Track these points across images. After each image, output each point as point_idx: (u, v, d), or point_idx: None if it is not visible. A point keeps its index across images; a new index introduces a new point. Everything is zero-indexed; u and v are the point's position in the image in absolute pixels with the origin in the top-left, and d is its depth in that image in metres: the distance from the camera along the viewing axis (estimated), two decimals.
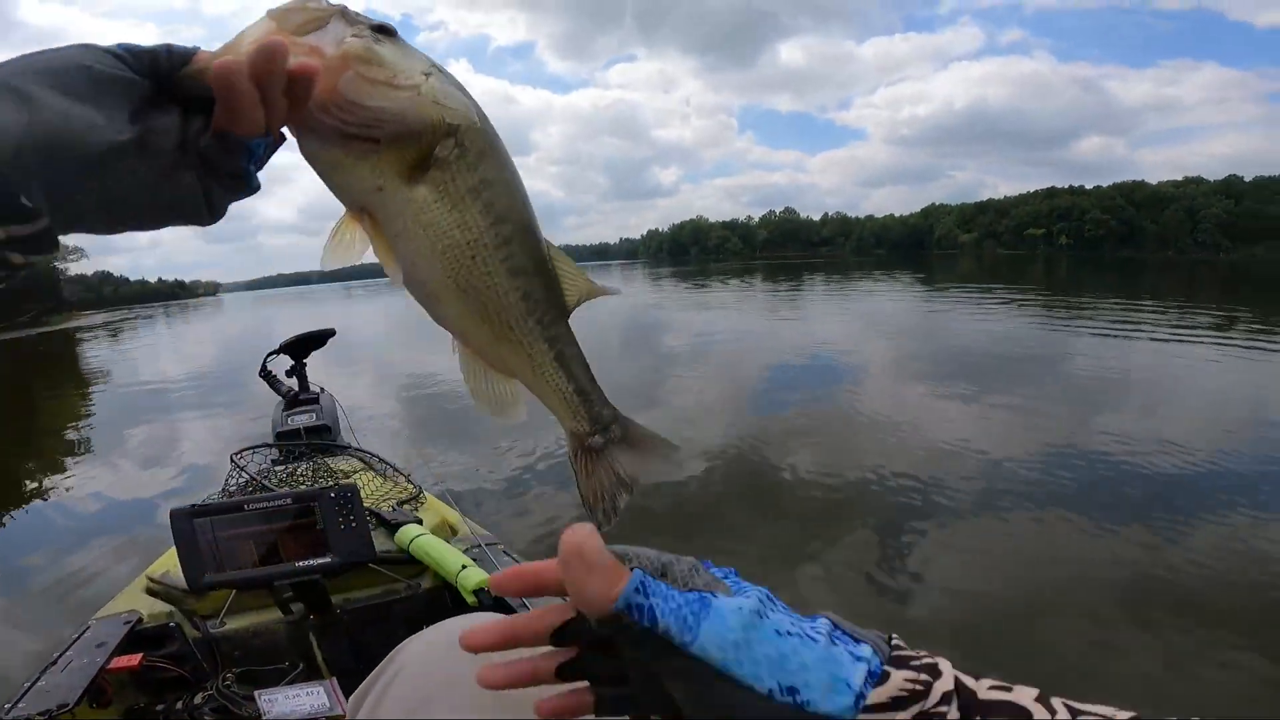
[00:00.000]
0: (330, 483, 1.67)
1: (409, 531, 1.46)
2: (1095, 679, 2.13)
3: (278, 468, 1.82)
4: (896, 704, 0.31)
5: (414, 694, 0.54)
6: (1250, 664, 2.16)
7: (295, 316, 27.81)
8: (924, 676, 0.32)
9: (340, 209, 0.44)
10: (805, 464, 4.17)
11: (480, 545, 1.52)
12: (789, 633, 0.32)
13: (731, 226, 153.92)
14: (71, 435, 7.19)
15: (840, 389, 6.55)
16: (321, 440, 2.07)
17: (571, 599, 0.35)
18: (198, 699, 1.14)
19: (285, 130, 0.41)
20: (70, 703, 0.98)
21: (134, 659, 1.14)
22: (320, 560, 1.17)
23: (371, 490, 1.70)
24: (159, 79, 0.38)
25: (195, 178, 0.39)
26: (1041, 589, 2.73)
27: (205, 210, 0.40)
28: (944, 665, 0.33)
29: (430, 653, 0.57)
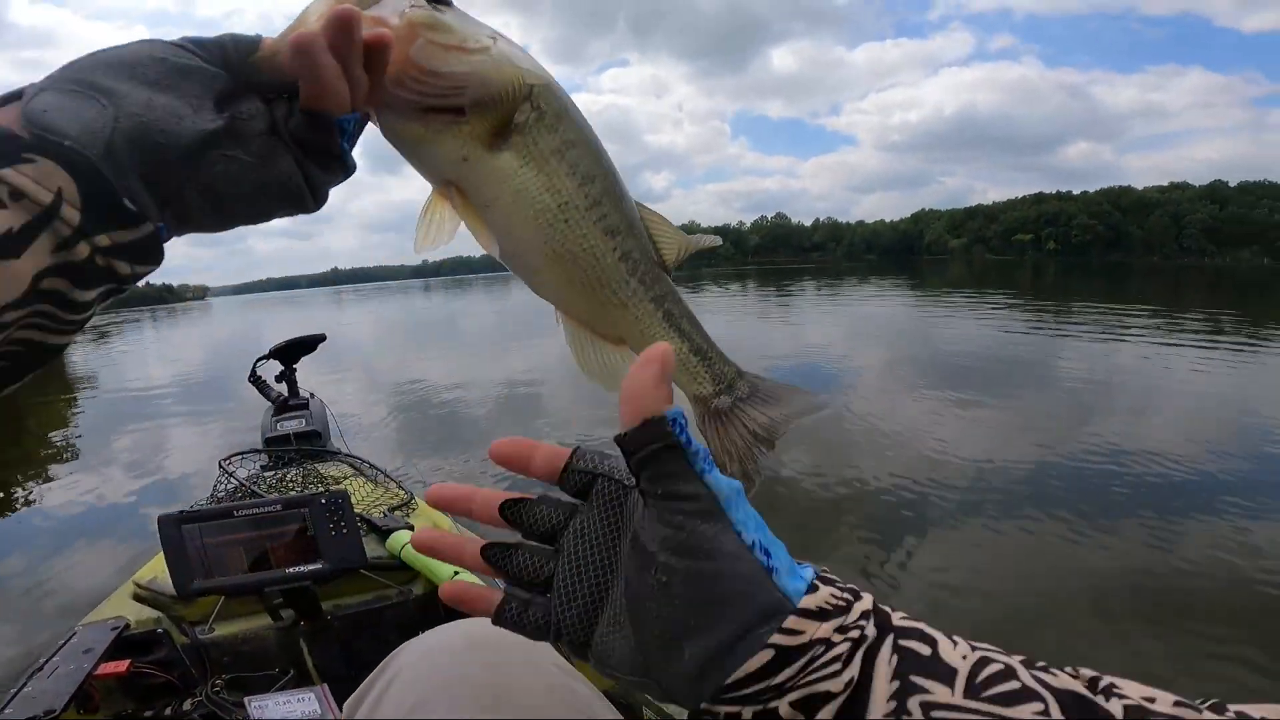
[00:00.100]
0: (321, 489, 1.67)
1: (400, 537, 1.45)
2: None
3: (267, 474, 1.81)
4: (821, 614, 0.32)
5: (411, 698, 0.53)
6: (1244, 657, 2.19)
7: (284, 321, 27.67)
8: (847, 596, 0.33)
9: (408, 210, 0.44)
10: (796, 467, 4.18)
11: None
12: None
13: (723, 232, 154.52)
14: (58, 440, 7.12)
15: (832, 393, 6.57)
16: (311, 446, 2.06)
17: (631, 392, 0.34)
18: (186, 705, 1.14)
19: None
20: (57, 709, 0.97)
21: (121, 665, 1.13)
22: (311, 567, 1.16)
23: (362, 496, 1.69)
24: (231, 70, 0.37)
25: (292, 161, 0.37)
26: (1033, 590, 2.74)
27: (308, 193, 0.39)
28: (864, 594, 0.34)
29: (427, 657, 0.57)
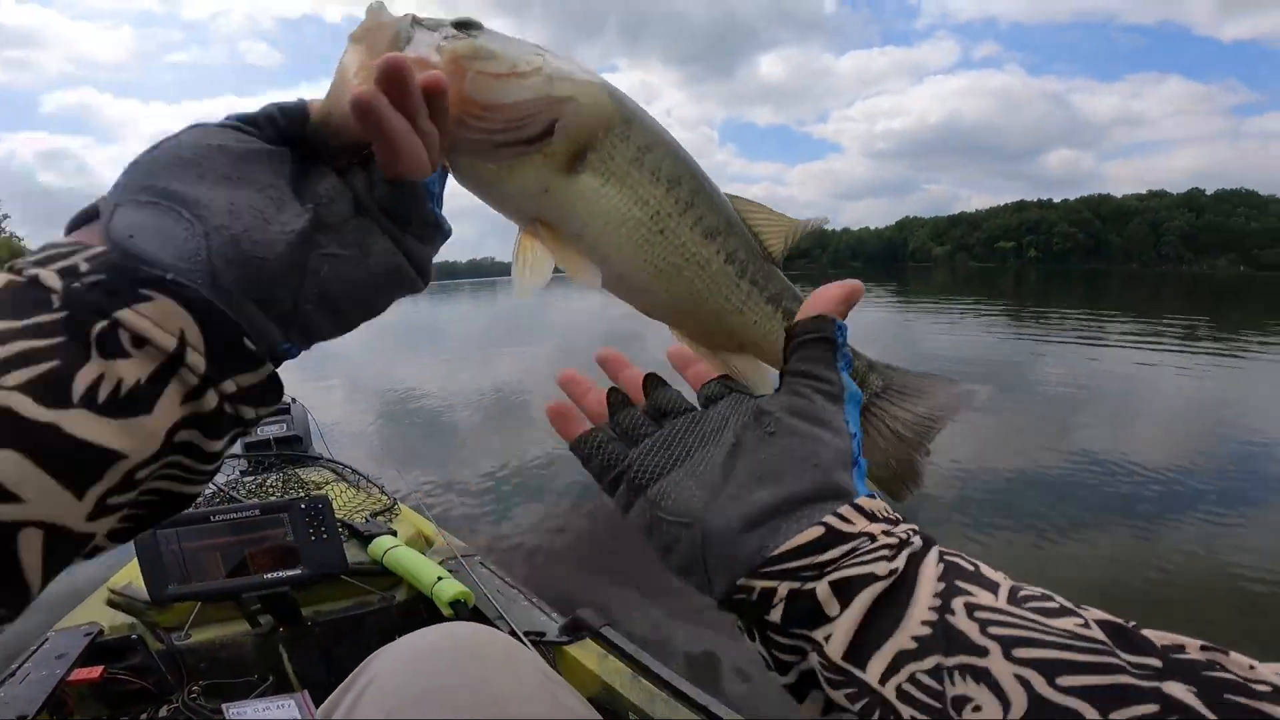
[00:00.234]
0: (301, 494, 1.65)
1: (383, 543, 1.44)
2: None
3: (246, 479, 1.79)
4: (872, 516, 0.35)
5: (387, 705, 0.52)
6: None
7: None
8: (898, 515, 0.36)
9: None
10: None
11: (457, 557, 1.51)
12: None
13: None
14: None
15: None
16: (292, 451, 2.04)
17: (817, 296, 0.42)
18: (163, 712, 1.12)
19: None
20: (29, 714, 0.96)
21: (95, 671, 1.11)
22: (290, 572, 1.15)
23: (344, 502, 1.67)
24: (290, 143, 0.34)
25: (389, 241, 0.34)
26: None
27: (414, 274, 0.36)
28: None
29: (404, 662, 0.56)
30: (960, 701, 0.28)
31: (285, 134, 0.34)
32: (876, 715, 0.30)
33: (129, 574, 1.33)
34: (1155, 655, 0.28)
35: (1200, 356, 8.75)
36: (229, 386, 0.29)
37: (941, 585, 0.32)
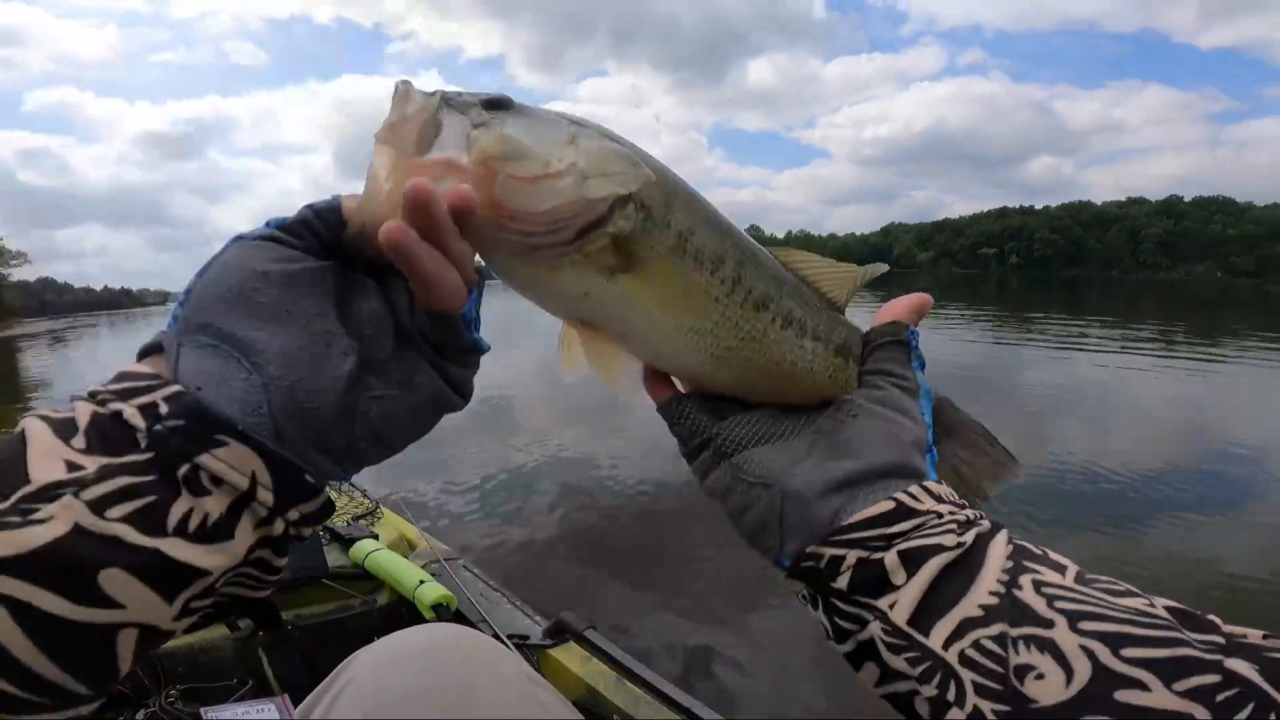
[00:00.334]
0: None
1: (364, 546, 1.43)
2: None
3: None
4: (940, 499, 0.37)
5: (365, 706, 0.51)
6: None
7: None
8: (965, 503, 0.38)
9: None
10: None
11: (439, 560, 1.51)
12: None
13: None
14: None
15: None
16: None
17: (889, 306, 0.46)
18: (139, 716, 1.10)
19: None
20: None
21: None
22: None
23: None
24: (329, 250, 0.35)
25: (431, 372, 0.36)
26: None
27: (455, 397, 0.38)
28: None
29: (384, 663, 0.55)
30: (1023, 670, 0.29)
31: (326, 242, 0.35)
32: (937, 679, 0.31)
33: None
34: (1219, 635, 0.29)
35: (1177, 361, 8.89)
36: (293, 515, 0.32)
37: (1010, 563, 0.33)
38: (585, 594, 2.75)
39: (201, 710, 1.04)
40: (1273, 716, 0.25)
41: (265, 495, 0.31)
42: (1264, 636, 0.29)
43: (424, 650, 0.56)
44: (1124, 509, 3.61)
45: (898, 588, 0.34)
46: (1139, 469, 4.18)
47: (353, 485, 1.85)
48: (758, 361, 0.43)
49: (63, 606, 0.26)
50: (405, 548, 1.59)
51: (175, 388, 0.30)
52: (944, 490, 0.38)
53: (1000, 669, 0.30)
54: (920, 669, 0.32)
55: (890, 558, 0.34)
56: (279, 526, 0.32)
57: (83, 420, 0.29)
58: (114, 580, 0.26)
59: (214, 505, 0.29)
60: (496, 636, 1.20)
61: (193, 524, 0.29)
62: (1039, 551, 0.35)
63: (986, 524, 0.36)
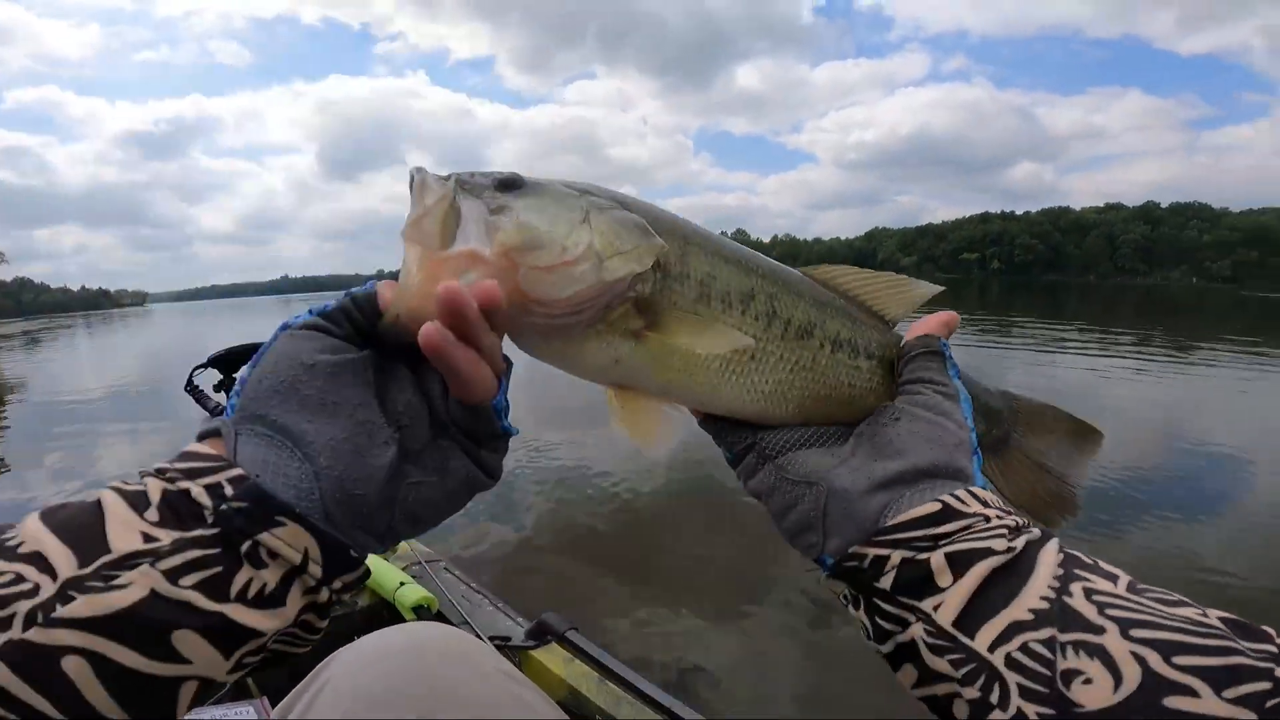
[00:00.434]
0: None
1: None
2: None
3: None
4: (986, 503, 0.37)
5: (342, 706, 0.51)
6: None
7: (229, 328, 26.77)
8: (1013, 508, 0.38)
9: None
10: (714, 484, 4.20)
11: (420, 562, 1.50)
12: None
13: None
14: None
15: None
16: None
17: (920, 322, 0.47)
18: None
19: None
20: None
21: None
22: None
23: None
24: (367, 337, 0.39)
25: (464, 458, 0.40)
26: None
27: (487, 480, 0.41)
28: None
29: (360, 664, 0.55)
30: (1070, 675, 0.30)
31: (364, 329, 0.39)
32: (981, 681, 0.32)
33: None
34: (1273, 644, 0.29)
35: (1154, 365, 9.03)
36: (336, 584, 0.36)
37: (1061, 570, 0.33)
38: (567, 596, 2.74)
39: None
40: None
41: (315, 569, 0.35)
42: None
43: (402, 650, 0.56)
44: (1104, 509, 3.66)
45: (943, 589, 0.34)
46: (1119, 470, 4.24)
47: None
48: (813, 390, 0.43)
49: (139, 661, 0.29)
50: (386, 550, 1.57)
51: (237, 471, 0.34)
52: (990, 496, 0.38)
53: (1047, 672, 0.30)
54: (964, 671, 0.32)
55: (936, 559, 0.34)
56: (325, 595, 0.36)
57: (154, 495, 0.33)
58: (184, 639, 0.31)
59: (270, 576, 0.33)
60: (478, 638, 1.20)
61: (252, 591, 0.33)
62: (1090, 560, 0.35)
63: (1036, 531, 0.36)
